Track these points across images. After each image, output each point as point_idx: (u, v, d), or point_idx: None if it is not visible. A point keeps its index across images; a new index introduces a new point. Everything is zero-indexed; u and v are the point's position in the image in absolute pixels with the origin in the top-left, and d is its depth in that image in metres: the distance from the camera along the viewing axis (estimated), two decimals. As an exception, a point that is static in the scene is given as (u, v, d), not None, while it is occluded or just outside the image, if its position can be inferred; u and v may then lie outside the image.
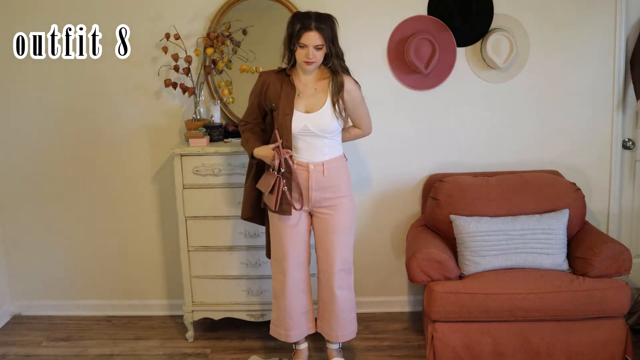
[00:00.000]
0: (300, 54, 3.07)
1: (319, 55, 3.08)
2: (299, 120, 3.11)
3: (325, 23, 3.07)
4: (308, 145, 3.16)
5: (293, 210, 3.17)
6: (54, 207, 4.03)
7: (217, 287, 3.68)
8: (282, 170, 3.10)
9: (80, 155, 3.95)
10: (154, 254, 4.06)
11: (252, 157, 3.22)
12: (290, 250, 3.24)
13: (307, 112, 3.13)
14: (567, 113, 3.83)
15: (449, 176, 3.72)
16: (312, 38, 3.03)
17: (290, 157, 3.12)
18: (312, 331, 3.41)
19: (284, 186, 3.11)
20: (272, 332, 3.42)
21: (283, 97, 3.14)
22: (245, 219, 3.40)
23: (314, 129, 3.12)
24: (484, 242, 3.36)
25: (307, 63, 3.08)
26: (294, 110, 3.11)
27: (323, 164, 3.18)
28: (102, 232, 4.05)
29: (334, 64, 3.14)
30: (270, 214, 3.27)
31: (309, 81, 3.17)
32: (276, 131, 3.12)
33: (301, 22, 3.04)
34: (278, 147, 3.09)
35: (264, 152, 3.14)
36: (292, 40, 3.07)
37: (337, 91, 3.13)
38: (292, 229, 3.23)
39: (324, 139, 3.16)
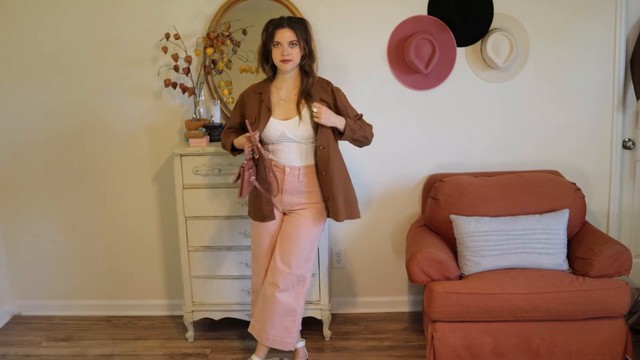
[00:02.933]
0: (276, 53, 3.10)
1: (295, 53, 3.10)
2: (276, 128, 3.14)
3: (297, 22, 3.13)
4: (288, 149, 3.17)
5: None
6: (54, 207, 4.03)
7: (217, 287, 3.68)
8: (255, 156, 3.12)
9: (80, 156, 3.95)
10: (154, 254, 4.07)
11: (233, 150, 3.25)
12: (267, 249, 3.26)
13: (285, 119, 3.15)
14: (567, 113, 3.83)
15: (449, 176, 3.72)
16: (285, 34, 3.08)
17: (264, 146, 3.15)
18: None
19: (250, 176, 3.12)
20: (250, 329, 3.35)
21: (262, 113, 3.15)
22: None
23: (290, 136, 3.14)
24: (484, 242, 3.36)
25: (284, 61, 3.09)
26: (271, 118, 3.14)
27: (299, 169, 3.18)
28: (102, 232, 4.05)
29: (306, 64, 3.15)
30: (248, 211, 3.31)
31: (290, 88, 3.19)
32: (247, 121, 3.12)
33: (273, 23, 3.13)
34: (249, 136, 3.08)
35: (240, 140, 3.17)
36: (266, 45, 3.12)
37: (306, 91, 3.14)
38: (267, 228, 3.25)
39: (302, 144, 3.17)
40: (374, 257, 4.01)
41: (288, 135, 3.14)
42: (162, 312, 4.13)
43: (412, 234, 3.66)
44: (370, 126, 3.28)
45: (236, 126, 3.31)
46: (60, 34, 3.80)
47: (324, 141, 3.14)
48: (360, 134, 3.21)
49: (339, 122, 3.13)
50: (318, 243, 3.34)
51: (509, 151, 3.87)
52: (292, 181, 3.18)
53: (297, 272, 3.20)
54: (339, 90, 3.24)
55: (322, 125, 3.11)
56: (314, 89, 3.17)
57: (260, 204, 3.21)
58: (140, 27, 3.77)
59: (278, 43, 3.09)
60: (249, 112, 3.20)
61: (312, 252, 3.26)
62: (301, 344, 3.46)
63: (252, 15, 3.71)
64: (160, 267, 4.08)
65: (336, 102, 3.20)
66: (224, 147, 3.32)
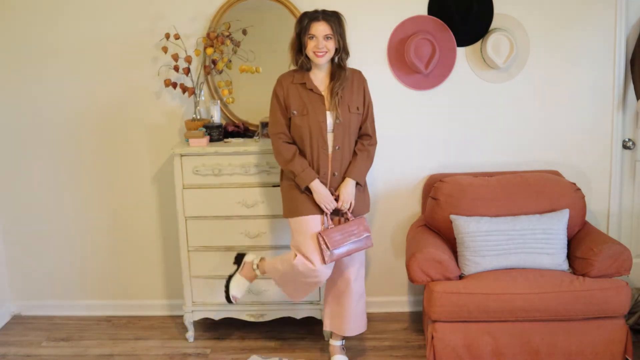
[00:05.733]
0: (310, 46, 3.13)
1: (330, 46, 3.13)
2: (328, 119, 3.20)
3: (332, 16, 3.16)
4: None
5: None
6: (54, 207, 4.03)
7: (218, 287, 3.68)
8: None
9: (80, 155, 3.95)
10: (154, 254, 4.06)
11: (294, 176, 3.22)
12: None
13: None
14: (567, 113, 3.83)
15: (449, 176, 3.72)
16: (320, 27, 3.10)
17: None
18: None
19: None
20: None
21: (309, 104, 3.18)
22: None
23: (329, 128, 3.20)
24: (484, 242, 3.36)
25: (318, 55, 3.11)
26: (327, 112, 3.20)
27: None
28: (102, 232, 4.05)
29: (341, 58, 3.18)
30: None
31: (323, 79, 3.22)
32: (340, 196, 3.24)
33: (309, 16, 3.15)
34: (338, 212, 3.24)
35: (324, 196, 3.20)
36: (301, 38, 3.13)
37: (341, 85, 3.17)
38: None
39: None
40: (374, 257, 4.01)
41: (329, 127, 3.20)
42: (162, 312, 4.13)
43: (412, 234, 3.66)
44: (375, 138, 3.35)
45: (286, 125, 3.25)
46: (60, 34, 3.80)
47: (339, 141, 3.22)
48: (369, 170, 3.33)
49: (354, 189, 3.25)
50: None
51: (509, 151, 3.87)
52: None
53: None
54: (369, 94, 3.31)
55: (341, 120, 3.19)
56: (348, 82, 3.21)
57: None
58: (140, 27, 3.77)
59: (313, 36, 3.11)
60: (296, 104, 3.19)
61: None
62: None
63: (252, 15, 3.71)
64: (160, 267, 4.08)
65: (364, 102, 3.26)
66: (293, 169, 3.20)
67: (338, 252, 3.18)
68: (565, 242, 3.41)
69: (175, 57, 3.63)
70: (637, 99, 3.75)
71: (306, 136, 3.19)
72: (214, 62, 3.68)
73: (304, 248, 3.19)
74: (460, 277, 3.36)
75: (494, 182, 3.58)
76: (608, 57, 3.76)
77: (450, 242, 3.50)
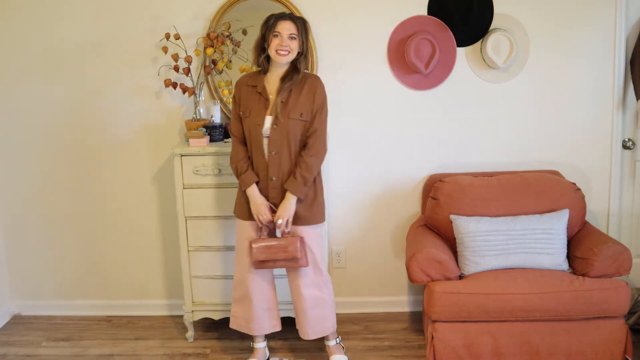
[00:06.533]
0: (273, 43, 3.10)
1: (293, 46, 3.10)
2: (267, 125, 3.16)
3: (299, 19, 3.15)
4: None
5: None
6: (54, 207, 4.03)
7: (217, 287, 3.68)
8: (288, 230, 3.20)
9: (80, 155, 3.95)
10: (154, 254, 4.07)
11: (237, 177, 3.24)
12: None
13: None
14: (567, 113, 3.83)
15: (449, 176, 3.72)
16: (286, 26, 3.09)
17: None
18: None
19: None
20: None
21: (254, 106, 3.17)
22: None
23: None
24: (484, 242, 3.36)
25: (280, 53, 3.09)
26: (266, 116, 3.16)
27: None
28: (102, 232, 4.05)
29: (298, 60, 3.15)
30: None
31: (275, 84, 3.19)
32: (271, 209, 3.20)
33: (275, 15, 3.14)
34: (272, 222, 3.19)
35: (258, 205, 3.18)
36: (265, 36, 3.12)
37: (288, 87, 3.12)
38: None
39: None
40: (374, 257, 4.01)
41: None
42: (162, 312, 4.13)
43: (412, 234, 3.66)
44: (318, 148, 3.16)
45: (241, 125, 3.25)
46: (60, 34, 3.80)
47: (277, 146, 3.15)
48: (310, 181, 3.16)
49: (294, 202, 3.15)
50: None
51: (509, 151, 3.87)
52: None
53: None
54: (323, 103, 3.18)
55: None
56: (298, 86, 3.15)
57: None
58: (140, 27, 3.77)
59: (278, 34, 3.09)
60: (244, 106, 3.20)
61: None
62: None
63: (252, 15, 3.71)
64: (160, 267, 4.08)
65: (312, 109, 3.14)
66: (235, 169, 3.23)
67: (262, 264, 3.20)
68: (565, 242, 3.41)
69: (175, 57, 3.63)
70: (637, 99, 3.75)
71: (248, 139, 3.19)
72: (214, 62, 3.68)
73: (236, 250, 3.33)
74: (460, 277, 3.36)
75: (494, 182, 3.58)
76: (608, 57, 3.76)
77: (450, 242, 3.50)
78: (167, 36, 3.65)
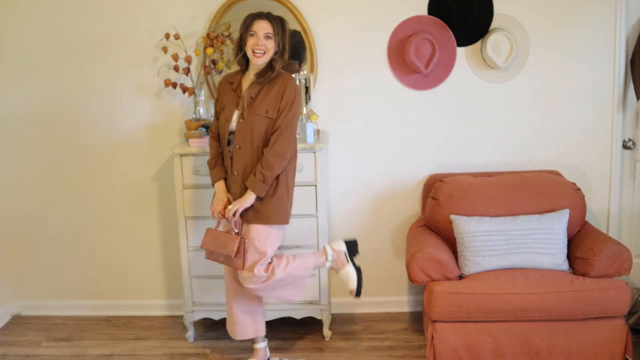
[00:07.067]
0: (249, 43, 3.10)
1: (269, 45, 3.09)
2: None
3: (276, 18, 3.14)
4: None
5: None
6: (54, 207, 4.02)
7: (217, 287, 3.68)
8: (237, 230, 3.17)
9: (80, 155, 3.95)
10: (154, 254, 4.06)
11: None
12: None
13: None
14: (567, 113, 3.83)
15: (449, 176, 3.72)
16: (262, 25, 3.09)
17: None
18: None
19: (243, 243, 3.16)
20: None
21: (227, 103, 3.20)
22: None
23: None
24: (484, 242, 3.36)
25: (256, 54, 3.09)
26: (235, 111, 3.17)
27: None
28: (102, 232, 4.05)
29: (274, 58, 3.14)
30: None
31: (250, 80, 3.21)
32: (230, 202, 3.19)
33: (252, 15, 3.14)
34: (231, 211, 3.14)
35: (216, 200, 3.21)
36: (242, 36, 3.12)
37: (258, 83, 3.13)
38: None
39: None
40: (374, 257, 4.00)
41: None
42: (162, 312, 4.13)
43: (412, 234, 3.66)
44: (280, 148, 3.09)
45: (217, 123, 3.31)
46: (60, 34, 3.80)
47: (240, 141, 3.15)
48: (270, 179, 3.10)
49: (251, 198, 3.11)
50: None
51: (509, 151, 3.87)
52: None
53: None
54: (292, 103, 3.12)
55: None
56: (269, 84, 3.13)
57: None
58: (140, 27, 3.77)
59: (254, 33, 3.08)
60: (220, 103, 3.24)
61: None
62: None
63: (252, 15, 3.70)
64: (160, 267, 4.08)
65: (280, 105, 3.11)
66: (209, 164, 3.30)
67: (210, 255, 3.23)
68: (565, 242, 3.41)
69: (175, 57, 3.63)
70: (637, 99, 3.75)
71: (221, 134, 3.24)
72: (214, 62, 3.68)
73: None
74: (460, 277, 3.36)
75: (494, 182, 3.58)
76: (608, 57, 3.76)
77: (450, 242, 3.50)
78: (167, 36, 3.65)
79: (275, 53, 3.13)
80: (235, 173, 3.17)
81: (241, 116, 3.13)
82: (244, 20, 3.15)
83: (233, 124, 3.16)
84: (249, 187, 3.11)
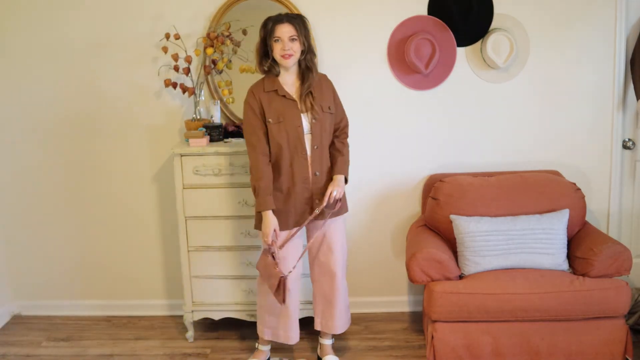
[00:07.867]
0: (276, 49, 3.12)
1: (295, 47, 3.12)
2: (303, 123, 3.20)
3: (296, 18, 3.16)
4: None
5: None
6: (54, 207, 4.03)
7: (217, 287, 3.68)
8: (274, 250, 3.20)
9: (80, 155, 3.96)
10: (154, 254, 4.07)
11: (256, 196, 3.18)
12: None
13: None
14: (567, 113, 3.83)
15: (449, 176, 3.72)
16: (284, 29, 3.09)
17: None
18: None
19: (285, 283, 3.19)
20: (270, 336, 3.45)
21: (284, 110, 3.16)
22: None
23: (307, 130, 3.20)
24: (484, 242, 3.36)
25: (285, 57, 3.10)
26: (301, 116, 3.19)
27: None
28: (102, 232, 4.05)
29: (307, 59, 3.17)
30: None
31: (293, 82, 3.22)
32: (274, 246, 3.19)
33: (272, 19, 3.14)
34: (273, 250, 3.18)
35: (272, 221, 3.15)
36: (267, 42, 3.13)
37: (310, 86, 3.17)
38: None
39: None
40: (374, 257, 4.00)
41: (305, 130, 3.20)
42: (162, 312, 4.13)
43: (412, 234, 3.66)
44: (347, 135, 3.37)
45: (264, 135, 3.17)
46: (60, 34, 3.80)
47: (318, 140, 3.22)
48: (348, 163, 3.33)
49: (343, 184, 3.27)
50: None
51: (509, 151, 3.87)
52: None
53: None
54: (337, 93, 3.33)
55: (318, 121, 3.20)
56: (316, 83, 3.21)
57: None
58: (140, 27, 3.77)
59: (278, 39, 3.10)
60: (271, 113, 3.15)
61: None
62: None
63: (252, 15, 3.70)
64: (160, 267, 4.08)
65: (334, 99, 3.28)
66: (256, 185, 3.14)
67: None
68: (565, 242, 3.41)
69: (175, 57, 3.63)
70: (637, 99, 3.75)
71: (284, 142, 3.14)
72: (214, 62, 3.68)
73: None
74: (460, 277, 3.36)
75: (494, 182, 3.58)
76: (608, 57, 3.76)
77: (450, 242, 3.50)
78: (167, 36, 3.65)
79: (302, 52, 3.16)
80: (318, 173, 3.21)
81: (313, 117, 3.17)
82: (264, 25, 3.15)
83: (306, 127, 3.17)
84: (341, 173, 3.25)
